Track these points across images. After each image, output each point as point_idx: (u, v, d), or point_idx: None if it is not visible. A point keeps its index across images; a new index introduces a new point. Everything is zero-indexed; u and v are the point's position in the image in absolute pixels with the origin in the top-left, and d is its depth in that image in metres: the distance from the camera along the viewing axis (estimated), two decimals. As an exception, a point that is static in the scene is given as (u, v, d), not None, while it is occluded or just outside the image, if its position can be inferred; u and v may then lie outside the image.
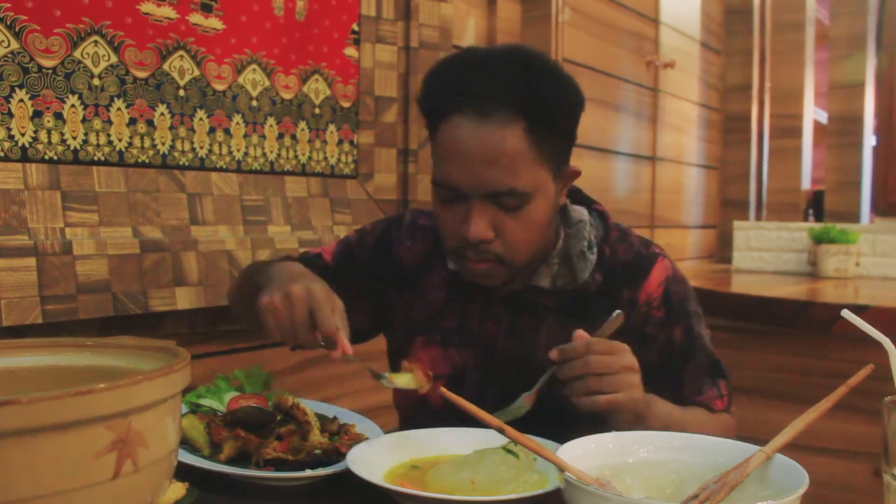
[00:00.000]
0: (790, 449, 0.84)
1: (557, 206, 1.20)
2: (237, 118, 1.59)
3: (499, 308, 1.26)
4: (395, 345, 1.36)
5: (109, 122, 1.38)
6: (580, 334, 1.06)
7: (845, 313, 0.86)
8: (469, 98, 1.10)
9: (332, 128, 1.79)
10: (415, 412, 1.30)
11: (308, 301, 1.04)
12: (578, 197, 1.32)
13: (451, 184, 1.12)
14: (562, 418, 1.09)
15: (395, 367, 1.33)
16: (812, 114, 4.08)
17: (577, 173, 1.22)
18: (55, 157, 1.32)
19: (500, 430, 0.88)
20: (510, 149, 1.09)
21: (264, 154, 1.65)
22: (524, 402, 1.13)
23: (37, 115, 1.29)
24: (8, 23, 1.24)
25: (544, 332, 1.23)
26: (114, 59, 1.38)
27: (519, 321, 1.25)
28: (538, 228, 1.16)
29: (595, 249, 1.24)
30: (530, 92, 1.10)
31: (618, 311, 1.11)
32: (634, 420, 1.06)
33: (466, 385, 1.25)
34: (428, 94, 1.19)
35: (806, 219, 4.02)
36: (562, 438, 0.90)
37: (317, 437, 1.06)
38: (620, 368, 1.04)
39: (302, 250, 1.41)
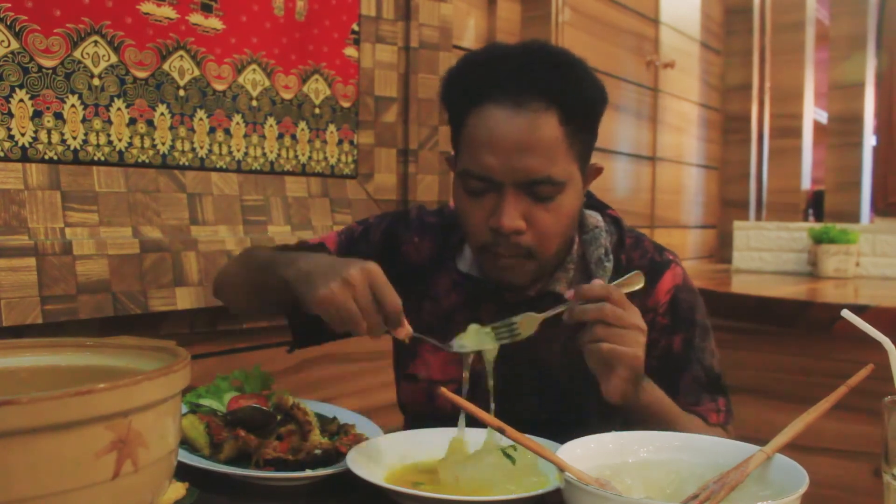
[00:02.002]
0: (790, 449, 0.84)
1: (582, 202, 1.20)
2: (237, 118, 1.59)
3: (512, 314, 1.20)
4: (401, 346, 1.32)
5: (109, 122, 1.38)
6: (598, 281, 1.05)
7: (845, 313, 0.86)
8: (503, 88, 1.10)
9: (332, 128, 1.79)
10: (421, 415, 1.28)
11: (369, 281, 1.00)
12: (590, 202, 1.30)
13: (485, 172, 1.10)
14: (563, 420, 1.08)
15: (401, 370, 1.31)
16: (812, 114, 4.08)
17: (599, 170, 1.21)
18: (55, 157, 1.32)
19: (501, 431, 0.88)
20: (547, 136, 1.09)
21: (264, 154, 1.65)
22: (529, 322, 1.07)
23: (37, 115, 1.29)
24: (8, 23, 1.24)
25: (560, 339, 1.20)
26: (114, 59, 1.38)
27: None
28: (568, 222, 1.15)
29: (611, 257, 1.23)
30: (562, 84, 1.10)
31: (637, 271, 1.11)
32: (629, 380, 1.03)
33: (479, 391, 1.22)
34: (455, 85, 1.17)
35: (806, 219, 4.02)
36: (562, 438, 0.90)
37: (317, 437, 1.06)
38: (631, 325, 1.03)
39: (297, 239, 1.37)
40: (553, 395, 1.21)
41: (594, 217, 1.26)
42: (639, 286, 1.11)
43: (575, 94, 1.11)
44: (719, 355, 1.26)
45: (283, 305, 1.25)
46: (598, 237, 1.24)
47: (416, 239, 1.31)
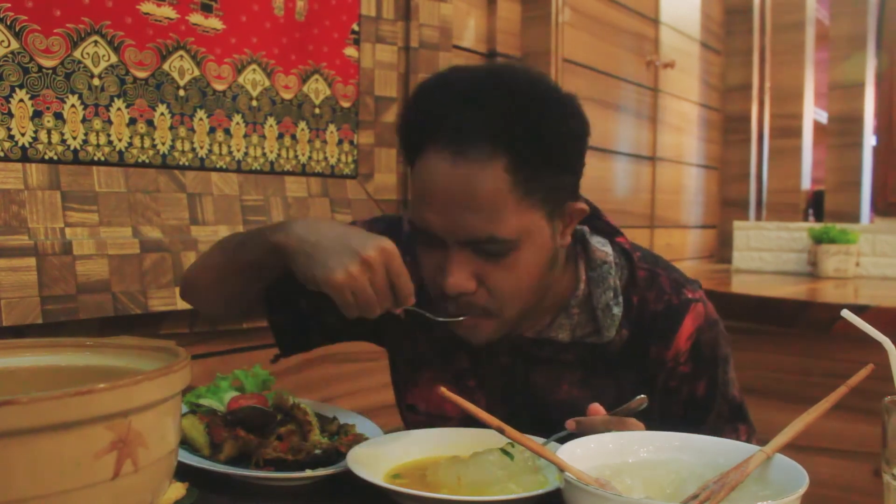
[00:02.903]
0: (790, 449, 0.84)
1: (556, 249, 1.07)
2: (237, 118, 1.59)
3: (510, 356, 1.15)
4: (400, 373, 1.27)
5: (109, 122, 1.38)
6: (596, 409, 0.97)
7: (845, 313, 0.86)
8: (444, 130, 0.98)
9: (332, 128, 1.79)
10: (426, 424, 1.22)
11: (386, 263, 0.96)
12: (597, 224, 1.18)
13: (426, 228, 1.01)
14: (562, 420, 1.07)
15: (401, 399, 1.27)
16: (812, 114, 4.08)
17: (582, 211, 1.07)
18: (55, 157, 1.32)
19: (500, 430, 0.88)
20: (489, 191, 0.96)
21: (264, 154, 1.65)
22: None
23: (37, 115, 1.29)
24: (8, 23, 1.24)
25: (565, 389, 1.14)
26: (114, 59, 1.38)
27: (535, 373, 1.15)
28: (528, 277, 1.03)
29: (621, 300, 1.11)
30: (513, 123, 0.96)
31: (642, 396, 1.01)
32: None
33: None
34: (403, 123, 1.07)
35: (806, 219, 4.02)
36: (562, 438, 0.90)
37: (317, 437, 1.06)
38: None
39: None
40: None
41: (602, 251, 1.14)
42: (641, 408, 1.01)
43: (530, 134, 0.97)
44: (737, 379, 1.20)
45: (261, 301, 1.20)
46: (607, 277, 1.11)
47: (408, 258, 1.17)
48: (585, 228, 1.16)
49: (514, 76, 1.03)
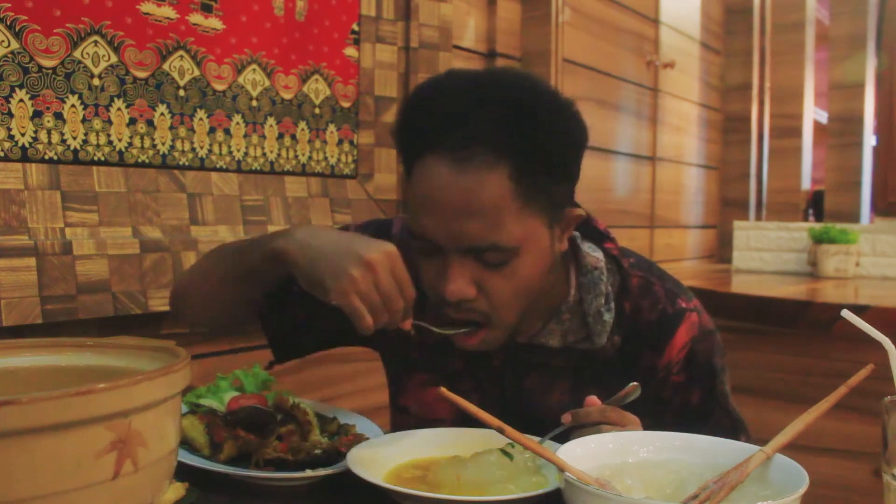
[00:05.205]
0: (790, 449, 0.84)
1: (554, 255, 1.06)
2: (237, 118, 1.59)
3: (502, 361, 1.15)
4: (392, 374, 1.28)
5: (109, 122, 1.38)
6: (592, 400, 0.98)
7: (845, 313, 0.86)
8: (445, 136, 0.96)
9: (332, 128, 1.79)
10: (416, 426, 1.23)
11: (391, 266, 0.94)
12: (586, 229, 1.17)
13: (426, 236, 1.00)
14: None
15: (393, 400, 1.28)
16: (812, 114, 4.08)
17: (579, 217, 1.07)
18: (55, 157, 1.32)
19: (500, 431, 0.88)
20: (492, 199, 0.95)
21: (264, 154, 1.65)
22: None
23: (37, 115, 1.29)
24: (8, 23, 1.24)
25: (556, 394, 1.13)
26: (114, 59, 1.38)
27: (527, 379, 1.14)
28: (527, 285, 1.02)
29: (613, 306, 1.10)
30: (517, 131, 0.96)
31: (634, 383, 1.01)
32: None
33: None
34: (401, 126, 1.05)
35: (806, 219, 4.02)
36: (562, 438, 0.90)
37: (317, 437, 1.06)
38: None
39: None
40: None
41: (593, 256, 1.13)
42: (635, 397, 1.02)
43: (533, 142, 0.96)
44: (730, 392, 1.19)
45: (255, 307, 1.18)
46: (598, 283, 1.10)
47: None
48: (577, 233, 1.15)
49: (515, 82, 1.01)
